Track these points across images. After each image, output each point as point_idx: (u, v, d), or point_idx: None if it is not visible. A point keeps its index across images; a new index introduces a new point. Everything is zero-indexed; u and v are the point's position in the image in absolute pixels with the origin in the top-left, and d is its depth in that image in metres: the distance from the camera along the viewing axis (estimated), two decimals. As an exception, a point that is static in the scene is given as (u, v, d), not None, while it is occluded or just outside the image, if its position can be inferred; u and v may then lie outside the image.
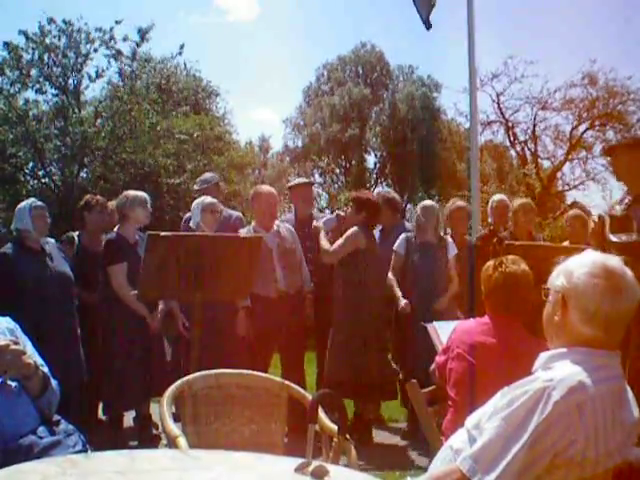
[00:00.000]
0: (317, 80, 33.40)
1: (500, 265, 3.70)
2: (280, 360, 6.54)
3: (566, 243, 6.93)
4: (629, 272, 2.35)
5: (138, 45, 17.05)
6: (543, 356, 2.41)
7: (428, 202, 6.97)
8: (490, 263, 3.80)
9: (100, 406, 6.45)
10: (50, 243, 5.88)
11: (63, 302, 5.75)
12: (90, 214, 6.50)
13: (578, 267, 2.36)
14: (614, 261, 2.36)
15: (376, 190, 29.58)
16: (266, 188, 6.75)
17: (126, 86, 16.74)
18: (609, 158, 6.81)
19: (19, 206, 5.80)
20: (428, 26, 9.11)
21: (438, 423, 3.76)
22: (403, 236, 6.67)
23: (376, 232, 7.24)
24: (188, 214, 7.21)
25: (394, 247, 6.65)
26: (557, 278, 2.43)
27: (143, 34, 16.86)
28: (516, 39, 41.30)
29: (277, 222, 6.57)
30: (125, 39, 16.70)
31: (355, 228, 6.37)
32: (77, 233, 6.64)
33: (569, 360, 2.31)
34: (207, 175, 7.78)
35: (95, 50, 16.62)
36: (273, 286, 6.27)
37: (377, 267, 6.45)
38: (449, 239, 6.75)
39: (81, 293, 6.18)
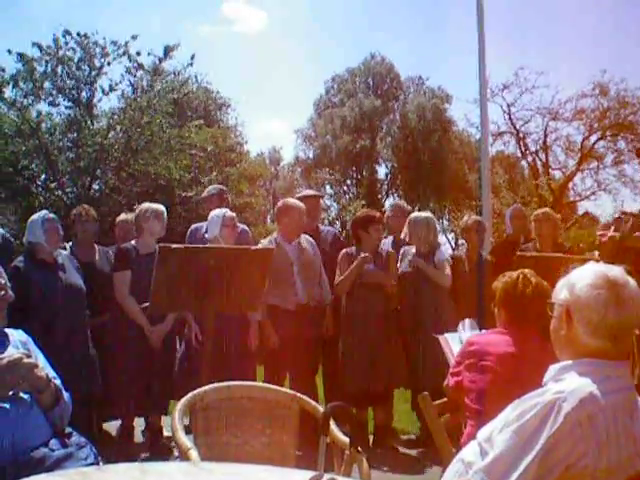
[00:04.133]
0: (327, 92, 33.57)
1: (526, 278, 3.74)
2: (295, 373, 6.52)
3: (596, 254, 6.90)
4: (632, 281, 2.35)
5: (160, 61, 17.14)
6: (553, 368, 2.40)
7: (414, 214, 6.99)
8: (513, 275, 3.81)
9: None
10: (63, 255, 5.88)
11: (75, 314, 5.74)
12: (79, 225, 6.48)
13: (580, 279, 2.36)
14: (616, 271, 2.36)
15: (388, 202, 29.68)
16: (297, 203, 6.65)
17: (141, 99, 16.81)
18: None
19: (31, 219, 5.79)
20: None
21: (449, 435, 3.75)
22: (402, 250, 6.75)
23: (389, 241, 7.28)
24: (194, 225, 7.26)
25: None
26: (560, 292, 2.43)
27: (169, 51, 16.92)
28: (526, 50, 41.47)
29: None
30: (149, 53, 16.83)
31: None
32: (70, 244, 6.61)
33: (578, 372, 2.30)
34: (209, 187, 7.85)
35: (109, 64, 16.71)
36: (292, 299, 6.26)
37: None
38: (441, 247, 6.82)
39: None
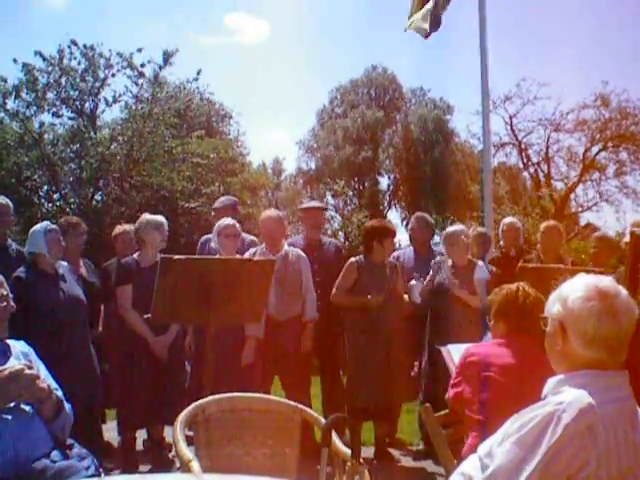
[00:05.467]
0: (330, 103, 33.58)
1: (525, 289, 3.79)
2: (282, 386, 6.53)
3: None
4: (623, 291, 2.35)
5: (161, 68, 17.15)
6: (551, 381, 2.40)
7: (453, 228, 6.91)
8: (512, 287, 3.84)
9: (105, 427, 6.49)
10: (64, 266, 5.88)
11: (76, 325, 5.74)
12: (67, 237, 6.44)
13: (572, 292, 2.37)
14: (607, 282, 2.37)
15: (390, 213, 29.69)
16: (268, 213, 6.74)
17: (144, 109, 16.82)
18: None
19: (33, 229, 5.78)
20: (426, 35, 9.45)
21: (451, 447, 3.75)
22: (434, 260, 6.65)
23: (410, 252, 7.29)
24: (204, 237, 7.28)
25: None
26: (553, 305, 2.43)
27: (167, 57, 16.93)
28: (528, 61, 41.50)
29: (287, 247, 6.54)
30: (149, 61, 16.85)
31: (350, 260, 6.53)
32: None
33: (577, 383, 2.30)
34: (222, 197, 7.87)
35: (113, 75, 16.74)
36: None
37: (381, 287, 6.41)
38: (480, 263, 6.70)
39: None
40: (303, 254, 6.53)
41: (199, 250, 7.11)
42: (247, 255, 6.35)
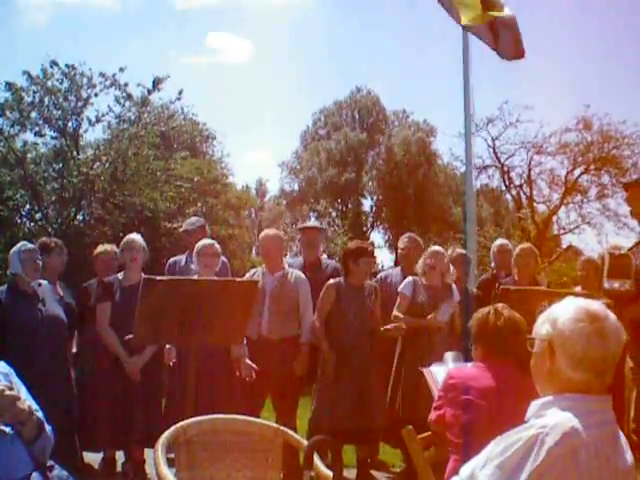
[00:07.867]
0: (314, 124, 33.73)
1: (501, 311, 3.78)
2: (273, 406, 6.49)
3: (578, 289, 6.94)
4: (612, 315, 2.37)
5: (149, 92, 17.17)
6: (535, 404, 2.40)
7: (437, 247, 6.89)
8: (485, 310, 3.85)
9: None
10: (43, 286, 5.87)
11: (55, 345, 5.72)
12: (49, 257, 6.41)
13: (562, 313, 2.37)
14: (597, 305, 2.38)
15: (373, 234, 29.73)
16: (268, 232, 6.78)
17: (127, 130, 16.82)
18: (626, 194, 6.69)
19: (12, 250, 5.82)
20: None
21: (433, 469, 3.73)
22: (410, 279, 6.63)
23: (398, 272, 7.27)
24: (173, 258, 7.31)
25: (399, 288, 6.59)
26: (542, 326, 2.44)
27: (158, 82, 16.96)
28: (511, 84, 41.82)
29: (288, 268, 6.55)
30: (139, 84, 16.92)
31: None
32: None
33: (561, 406, 2.30)
34: (192, 219, 7.86)
35: (96, 95, 16.72)
36: (255, 329, 6.20)
37: (359, 310, 6.40)
38: (454, 286, 6.68)
39: None
40: (304, 277, 6.53)
41: (167, 272, 7.08)
42: (248, 276, 6.38)
